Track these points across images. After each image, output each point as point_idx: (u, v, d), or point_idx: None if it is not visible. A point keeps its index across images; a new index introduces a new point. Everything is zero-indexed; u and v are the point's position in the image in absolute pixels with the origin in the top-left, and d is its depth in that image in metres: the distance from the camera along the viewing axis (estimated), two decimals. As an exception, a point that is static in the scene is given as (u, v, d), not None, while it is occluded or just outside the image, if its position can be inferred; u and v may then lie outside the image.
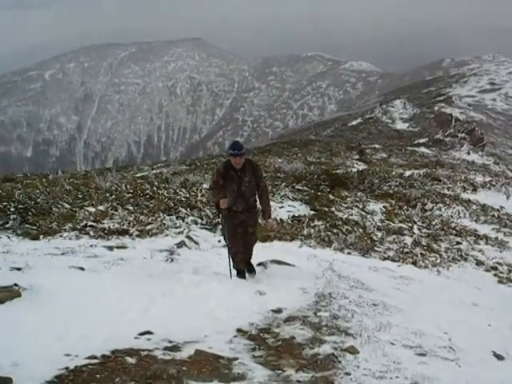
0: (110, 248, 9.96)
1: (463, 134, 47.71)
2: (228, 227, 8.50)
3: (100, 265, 8.32)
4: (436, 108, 71.97)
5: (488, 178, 28.29)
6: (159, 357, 5.07)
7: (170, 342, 5.48)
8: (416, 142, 46.26)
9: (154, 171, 22.79)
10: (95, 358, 4.88)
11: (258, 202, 8.61)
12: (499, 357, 6.02)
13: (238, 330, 6.05)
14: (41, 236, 10.49)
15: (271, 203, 9.00)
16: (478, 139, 47.18)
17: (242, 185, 8.27)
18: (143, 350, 5.17)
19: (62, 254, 9.07)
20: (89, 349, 5.00)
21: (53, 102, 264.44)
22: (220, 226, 10.35)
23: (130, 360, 4.91)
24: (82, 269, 7.79)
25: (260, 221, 9.13)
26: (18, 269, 7.24)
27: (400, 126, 59.92)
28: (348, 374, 5.01)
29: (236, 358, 5.17)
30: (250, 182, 8.33)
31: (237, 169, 8.26)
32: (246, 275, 8.63)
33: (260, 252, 8.64)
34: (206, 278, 7.99)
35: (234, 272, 8.61)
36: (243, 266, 8.67)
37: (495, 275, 13.15)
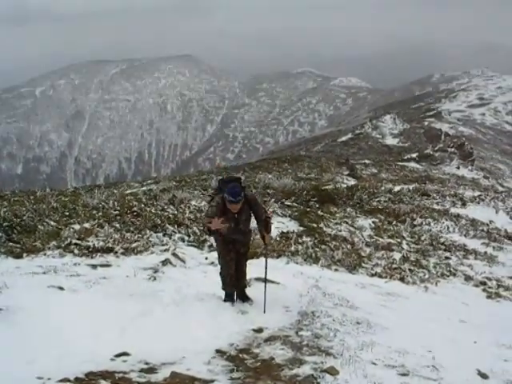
0: (94, 266, 9.82)
1: (453, 149, 47.76)
2: (221, 250, 8.21)
3: (81, 284, 8.18)
4: (426, 123, 72.23)
5: (477, 193, 28.24)
6: (134, 379, 4.96)
7: (147, 363, 5.37)
8: (406, 157, 46.28)
9: (144, 188, 22.66)
10: (68, 381, 4.77)
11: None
12: (484, 376, 5.92)
13: (217, 351, 5.94)
14: (24, 254, 10.32)
15: None
16: (468, 154, 47.22)
17: (239, 224, 7.96)
18: (118, 373, 5.05)
19: (44, 272, 8.92)
20: (62, 371, 4.89)
21: (43, 119, 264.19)
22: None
23: (104, 383, 4.80)
24: (62, 288, 7.66)
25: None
26: (-5, 289, 7.13)
27: (390, 141, 59.99)
28: (327, 395, 4.91)
29: (213, 381, 5.07)
30: (247, 219, 8.11)
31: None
32: (244, 303, 8.25)
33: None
34: (187, 296, 7.88)
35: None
36: (234, 290, 8.35)
37: (484, 290, 13.04)
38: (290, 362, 5.64)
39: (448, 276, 13.72)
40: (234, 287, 8.31)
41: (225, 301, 8.19)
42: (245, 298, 8.31)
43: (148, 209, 14.96)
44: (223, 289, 8.30)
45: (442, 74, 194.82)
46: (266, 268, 8.30)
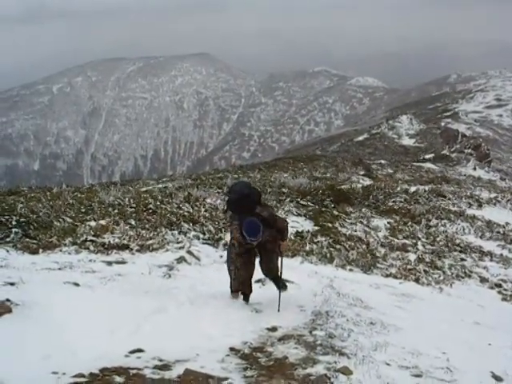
0: (109, 263, 9.86)
1: (469, 150, 47.57)
2: (240, 253, 7.96)
3: (96, 280, 8.22)
4: (442, 124, 71.99)
5: (494, 194, 28.10)
6: (148, 376, 4.97)
7: (161, 360, 5.38)
8: (422, 158, 46.15)
9: (159, 185, 22.70)
10: (83, 376, 4.78)
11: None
12: (498, 378, 5.89)
13: (231, 349, 5.95)
14: (40, 250, 10.38)
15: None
16: (485, 155, 47.06)
17: (260, 242, 7.72)
18: (132, 369, 5.06)
19: (60, 268, 8.98)
20: (77, 367, 4.90)
21: (60, 116, 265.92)
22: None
23: (118, 379, 4.81)
24: (77, 284, 7.69)
25: None
26: (12, 284, 7.15)
27: (406, 141, 59.85)
28: (340, 395, 4.92)
29: (226, 378, 5.07)
30: (269, 233, 7.79)
31: None
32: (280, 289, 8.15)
33: (258, 269, 8.49)
34: (202, 294, 7.89)
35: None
36: (247, 290, 8.19)
37: (499, 292, 13.00)
38: (303, 362, 5.63)
39: (463, 277, 13.69)
40: (247, 287, 8.20)
41: (232, 296, 8.08)
42: (283, 284, 8.28)
43: (163, 206, 14.98)
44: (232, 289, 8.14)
45: (459, 75, 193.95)
46: (281, 268, 8.23)
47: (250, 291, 8.28)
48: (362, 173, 32.69)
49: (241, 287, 8.15)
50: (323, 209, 18.26)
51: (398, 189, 24.54)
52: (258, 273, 8.67)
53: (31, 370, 4.78)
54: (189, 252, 11.36)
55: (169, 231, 12.83)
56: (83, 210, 13.78)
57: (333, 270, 12.13)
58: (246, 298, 8.23)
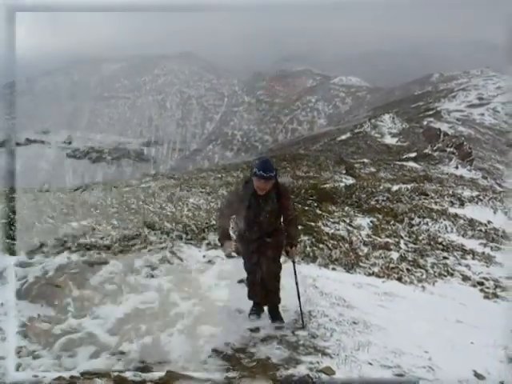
0: (91, 264, 9.79)
1: (452, 149, 47.73)
2: (243, 254, 7.46)
3: (77, 281, 8.17)
4: (425, 122, 72.25)
5: (476, 193, 28.20)
6: (129, 378, 4.95)
7: (143, 362, 5.36)
8: (405, 157, 46.28)
9: (142, 185, 22.63)
10: (63, 379, 4.75)
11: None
12: (480, 376, 5.92)
13: (214, 350, 5.94)
14: (21, 251, 10.31)
15: None
16: (467, 154, 47.21)
17: (260, 215, 6.92)
18: (114, 371, 5.04)
19: (41, 270, 8.91)
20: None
21: (43, 116, 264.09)
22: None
23: (99, 382, 4.78)
24: (58, 286, 7.65)
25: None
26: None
27: (389, 140, 60.00)
28: (322, 396, 4.91)
29: (208, 380, 5.06)
30: (272, 212, 6.95)
31: (259, 195, 6.85)
32: (274, 321, 7.31)
33: (241, 268, 8.45)
34: (185, 295, 7.85)
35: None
36: (258, 301, 7.50)
37: (481, 290, 13.04)
38: (286, 362, 5.64)
39: (445, 276, 13.72)
40: (262, 298, 7.45)
41: (249, 314, 7.43)
42: (276, 316, 7.40)
43: (146, 206, 14.95)
44: (249, 298, 7.58)
45: (442, 74, 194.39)
46: (295, 275, 7.53)
47: (259, 300, 7.55)
48: (344, 172, 32.74)
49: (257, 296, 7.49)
50: (306, 208, 18.26)
51: (381, 188, 24.58)
52: (240, 273, 8.60)
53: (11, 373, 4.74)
54: (171, 252, 11.30)
55: (151, 231, 12.78)
56: (65, 211, 13.70)
57: (316, 269, 12.12)
58: (257, 312, 7.53)
